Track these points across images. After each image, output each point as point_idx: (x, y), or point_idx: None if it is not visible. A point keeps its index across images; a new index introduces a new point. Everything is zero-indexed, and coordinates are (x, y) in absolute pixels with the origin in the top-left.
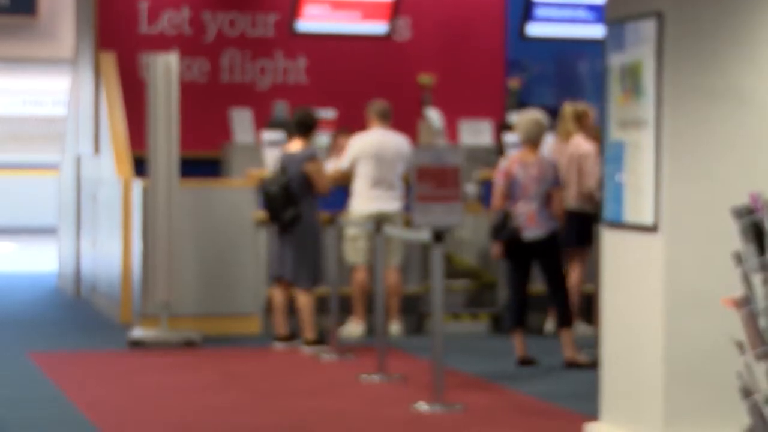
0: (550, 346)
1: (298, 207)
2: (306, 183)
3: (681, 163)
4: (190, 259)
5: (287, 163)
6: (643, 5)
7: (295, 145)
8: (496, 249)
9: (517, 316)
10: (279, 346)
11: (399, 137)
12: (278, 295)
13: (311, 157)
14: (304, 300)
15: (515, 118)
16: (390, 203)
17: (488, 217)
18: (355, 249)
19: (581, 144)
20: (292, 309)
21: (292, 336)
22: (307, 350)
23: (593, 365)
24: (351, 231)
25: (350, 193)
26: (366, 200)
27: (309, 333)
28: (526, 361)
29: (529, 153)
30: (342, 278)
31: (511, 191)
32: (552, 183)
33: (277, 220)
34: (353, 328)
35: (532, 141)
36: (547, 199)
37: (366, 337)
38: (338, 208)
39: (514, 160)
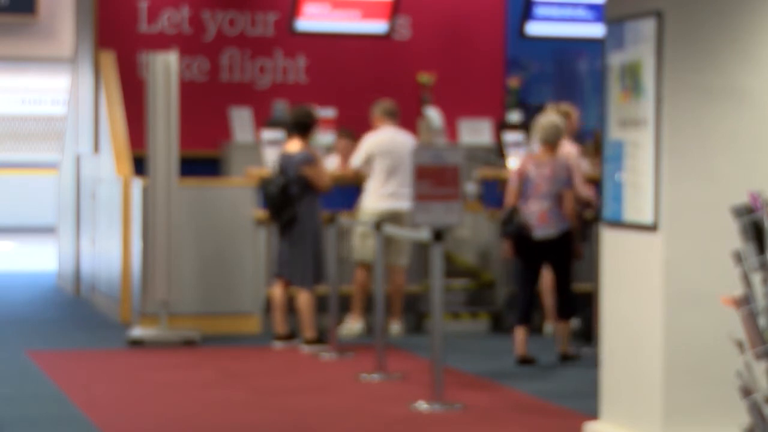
0: (549, 344)
1: (296, 208)
2: (304, 184)
3: (680, 161)
4: (190, 258)
5: (285, 164)
6: (642, 4)
7: (293, 146)
8: (505, 246)
9: (523, 313)
10: (278, 345)
11: (408, 136)
12: (278, 294)
13: (308, 160)
14: (304, 299)
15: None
16: (403, 201)
17: (494, 216)
18: (364, 246)
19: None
20: (292, 308)
21: (292, 335)
22: (306, 349)
23: (583, 358)
24: (361, 228)
25: (363, 191)
26: (378, 198)
27: (309, 332)
28: (525, 360)
29: (545, 153)
30: (342, 277)
31: (524, 190)
32: (564, 183)
33: (277, 219)
34: (351, 326)
35: (550, 142)
36: (559, 199)
37: (365, 336)
38: (340, 207)
39: (528, 159)
